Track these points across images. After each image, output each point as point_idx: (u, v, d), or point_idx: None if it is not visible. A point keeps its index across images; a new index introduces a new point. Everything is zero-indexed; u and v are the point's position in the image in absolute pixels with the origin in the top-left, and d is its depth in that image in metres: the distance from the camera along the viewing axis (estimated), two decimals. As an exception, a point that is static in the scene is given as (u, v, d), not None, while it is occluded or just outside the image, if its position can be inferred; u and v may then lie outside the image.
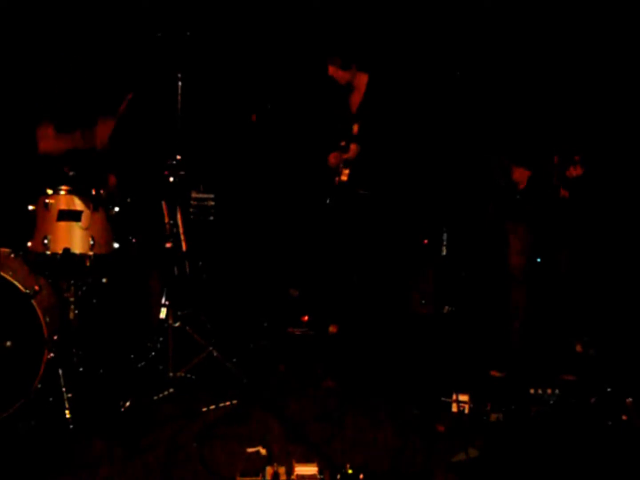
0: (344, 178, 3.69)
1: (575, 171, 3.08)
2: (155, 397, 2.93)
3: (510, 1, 3.90)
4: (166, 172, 3.32)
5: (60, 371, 2.73)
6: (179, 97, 3.41)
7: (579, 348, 3.55)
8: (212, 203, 4.40)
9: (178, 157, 3.33)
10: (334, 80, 3.68)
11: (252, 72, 4.56)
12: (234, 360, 3.31)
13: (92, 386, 2.87)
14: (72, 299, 2.92)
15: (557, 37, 3.48)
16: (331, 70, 3.64)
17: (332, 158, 3.76)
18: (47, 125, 3.27)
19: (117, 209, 3.03)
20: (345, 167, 3.70)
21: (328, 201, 3.78)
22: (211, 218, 4.42)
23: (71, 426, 2.62)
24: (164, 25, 3.59)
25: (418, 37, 4.22)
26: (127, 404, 2.80)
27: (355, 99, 3.72)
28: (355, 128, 3.69)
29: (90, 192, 2.93)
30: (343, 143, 3.74)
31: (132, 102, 3.36)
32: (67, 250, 2.85)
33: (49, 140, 3.26)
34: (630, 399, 2.49)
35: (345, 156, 3.69)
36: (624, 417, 2.48)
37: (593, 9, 3.61)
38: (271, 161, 4.57)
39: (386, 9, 4.27)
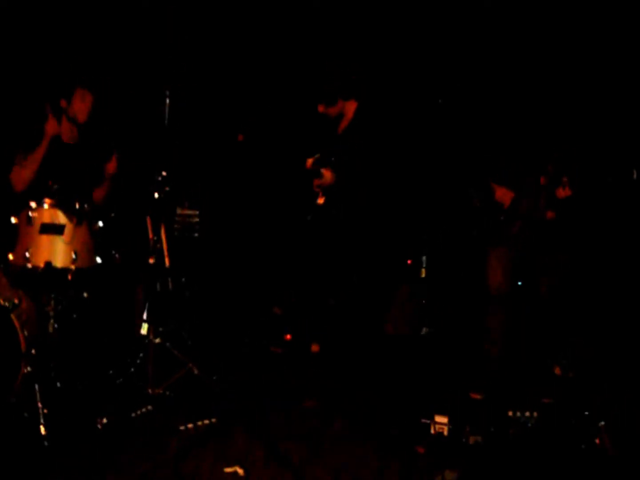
0: (320, 201, 3.72)
1: (564, 192, 3.09)
2: (133, 414, 2.90)
3: (485, 30, 3.99)
4: (151, 188, 3.33)
5: (36, 386, 2.69)
6: (166, 114, 3.43)
7: (557, 371, 3.58)
8: (197, 219, 4.41)
9: (164, 173, 3.34)
10: (326, 115, 3.73)
11: (240, 90, 4.61)
12: (214, 377, 3.29)
13: (69, 402, 2.83)
14: (51, 313, 2.89)
15: (541, 55, 3.57)
16: (321, 108, 3.70)
17: (314, 183, 3.79)
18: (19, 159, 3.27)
19: (100, 223, 3.03)
20: (322, 192, 3.73)
21: (308, 218, 3.79)
22: (196, 234, 4.42)
23: (46, 443, 2.58)
24: (154, 41, 3.63)
25: (396, 69, 4.29)
26: (104, 420, 2.76)
27: (343, 123, 3.78)
28: (309, 162, 3.74)
29: (74, 205, 2.93)
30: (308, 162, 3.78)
31: (119, 159, 3.41)
32: (48, 264, 2.83)
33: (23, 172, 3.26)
34: (603, 423, 2.52)
35: (319, 182, 3.71)
36: (597, 441, 2.50)
37: (579, 29, 3.69)
38: (256, 179, 4.60)
39: (369, 40, 4.34)
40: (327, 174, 3.66)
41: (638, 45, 3.57)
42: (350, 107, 3.73)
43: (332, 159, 3.70)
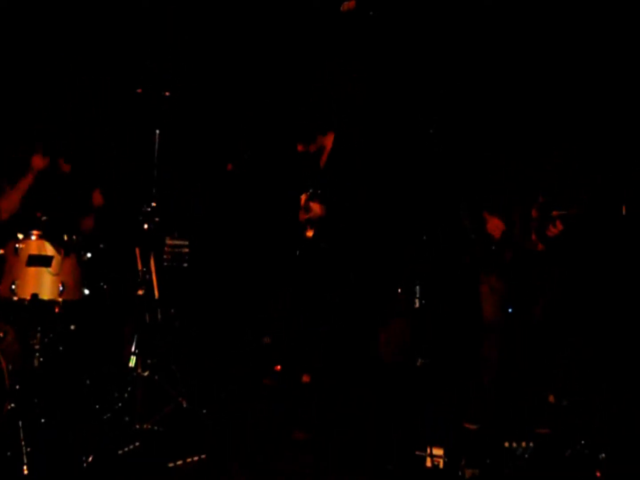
0: (309, 234, 3.71)
1: (555, 229, 3.08)
2: (120, 451, 2.82)
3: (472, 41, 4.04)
4: (140, 219, 3.31)
5: (20, 423, 2.61)
6: (156, 145, 3.44)
7: (551, 399, 3.55)
8: (187, 250, 4.38)
9: (153, 203, 3.33)
10: (306, 152, 3.75)
11: (229, 120, 4.64)
12: (204, 411, 3.22)
13: (54, 439, 2.75)
14: (37, 347, 2.83)
15: (533, 81, 3.61)
16: (300, 148, 3.73)
17: (300, 215, 3.79)
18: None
19: (89, 254, 3.00)
20: (310, 225, 3.73)
21: (297, 253, 3.78)
22: (185, 265, 4.38)
23: (29, 483, 2.49)
24: (143, 83, 3.65)
25: (379, 95, 4.34)
26: (90, 458, 2.68)
27: (324, 157, 3.80)
28: (303, 198, 3.76)
29: (62, 237, 2.90)
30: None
31: (104, 192, 3.42)
32: (35, 296, 2.79)
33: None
34: (604, 455, 2.48)
35: (307, 216, 3.71)
36: (597, 474, 2.47)
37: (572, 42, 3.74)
38: (245, 208, 4.60)
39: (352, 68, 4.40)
40: (316, 207, 3.66)
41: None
42: (329, 139, 3.76)
43: (319, 191, 3.71)
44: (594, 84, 3.71)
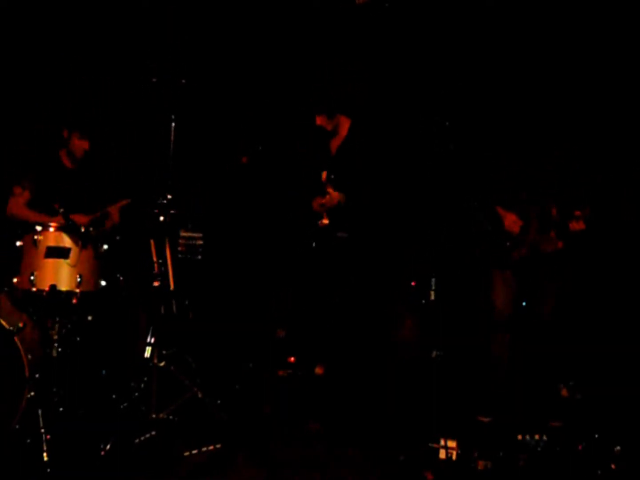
0: (325, 222, 3.72)
1: (577, 226, 3.07)
2: (137, 440, 2.86)
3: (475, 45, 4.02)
4: (156, 211, 3.33)
5: (39, 411, 2.66)
6: (172, 137, 3.46)
7: (564, 392, 3.54)
8: (201, 242, 4.41)
9: (168, 195, 3.35)
10: (322, 128, 3.76)
11: (244, 114, 4.65)
12: (219, 401, 3.26)
13: (72, 427, 2.80)
14: (55, 337, 2.87)
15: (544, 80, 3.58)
16: (319, 120, 3.73)
17: (315, 204, 3.79)
18: (22, 188, 3.31)
19: (106, 246, 3.03)
20: (327, 212, 3.74)
21: (313, 244, 3.79)
22: (199, 257, 4.41)
23: (49, 470, 2.54)
24: (159, 71, 3.67)
25: (398, 84, 4.32)
26: (107, 447, 2.72)
27: (336, 142, 3.80)
28: (324, 175, 3.75)
29: (80, 229, 2.93)
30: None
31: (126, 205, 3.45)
32: (53, 287, 2.82)
33: (19, 208, 3.30)
34: (619, 447, 2.48)
35: (324, 201, 3.72)
36: (612, 466, 2.46)
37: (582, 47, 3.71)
38: (260, 202, 4.61)
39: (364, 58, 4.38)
40: (334, 194, 3.67)
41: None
42: (345, 125, 3.76)
43: (332, 176, 3.71)
44: (594, 84, 3.67)
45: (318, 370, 3.97)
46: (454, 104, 3.90)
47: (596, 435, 2.68)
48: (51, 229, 2.91)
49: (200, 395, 3.23)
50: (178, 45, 4.34)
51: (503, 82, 3.80)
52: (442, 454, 2.72)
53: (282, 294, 4.42)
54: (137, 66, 4.20)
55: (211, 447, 2.85)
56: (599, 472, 2.46)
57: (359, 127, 3.77)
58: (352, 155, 3.70)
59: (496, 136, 3.49)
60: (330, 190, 3.68)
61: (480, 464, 2.64)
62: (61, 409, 2.80)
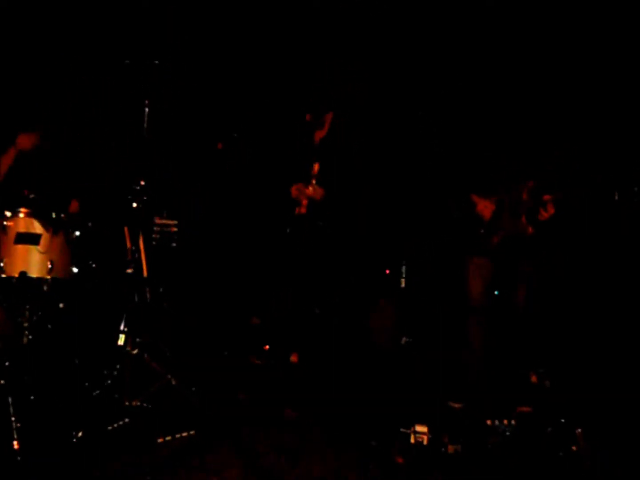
0: (303, 210, 3.74)
1: (546, 213, 3.12)
2: (110, 427, 2.85)
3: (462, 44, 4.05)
4: (129, 197, 3.30)
5: (9, 399, 2.63)
6: (145, 123, 3.41)
7: (534, 379, 3.62)
8: (175, 229, 4.38)
9: (142, 182, 3.31)
10: (310, 122, 3.77)
11: (220, 100, 4.61)
12: (193, 389, 3.26)
13: (43, 415, 2.77)
14: (26, 324, 2.84)
15: (527, 67, 3.61)
16: (308, 117, 3.74)
17: (294, 190, 3.81)
18: None
19: (77, 233, 2.99)
20: (306, 200, 3.75)
21: (288, 230, 3.80)
22: (174, 244, 4.38)
23: (19, 458, 2.52)
24: (132, 53, 3.61)
25: (377, 79, 4.34)
26: (79, 434, 2.71)
27: (320, 133, 3.81)
28: (316, 167, 3.76)
29: (50, 215, 2.89)
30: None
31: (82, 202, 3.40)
32: (23, 274, 2.78)
33: None
34: (580, 430, 2.56)
35: (308, 192, 3.73)
36: (574, 448, 2.54)
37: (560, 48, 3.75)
38: (235, 189, 4.59)
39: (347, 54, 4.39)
40: (318, 189, 3.70)
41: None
42: (328, 116, 3.78)
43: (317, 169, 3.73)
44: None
45: (293, 358, 4.00)
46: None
47: (562, 420, 2.75)
48: (21, 215, 2.86)
49: (173, 383, 3.22)
50: (169, 46, 4.29)
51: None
52: (413, 439, 2.77)
53: (257, 281, 4.42)
54: (110, 48, 4.12)
55: (185, 434, 2.85)
56: (561, 453, 2.53)
57: (348, 124, 3.78)
58: (335, 149, 3.72)
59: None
60: (314, 182, 3.70)
61: (450, 448, 2.69)
62: (32, 397, 2.77)
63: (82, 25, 4.18)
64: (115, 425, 2.87)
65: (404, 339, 3.59)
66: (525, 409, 3.21)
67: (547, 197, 3.10)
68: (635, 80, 3.64)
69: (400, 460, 2.67)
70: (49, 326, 3.03)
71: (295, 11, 4.41)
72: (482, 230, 3.33)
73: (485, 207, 3.30)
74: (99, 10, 4.22)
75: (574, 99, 3.62)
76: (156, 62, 3.34)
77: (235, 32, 4.50)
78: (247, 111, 4.55)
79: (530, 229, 3.22)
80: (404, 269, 3.69)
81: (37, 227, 2.85)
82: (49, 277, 2.83)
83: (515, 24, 3.89)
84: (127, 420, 2.92)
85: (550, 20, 3.79)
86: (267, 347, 4.17)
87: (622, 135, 3.62)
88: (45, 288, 2.84)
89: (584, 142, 3.36)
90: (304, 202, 3.78)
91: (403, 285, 3.71)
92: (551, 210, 3.09)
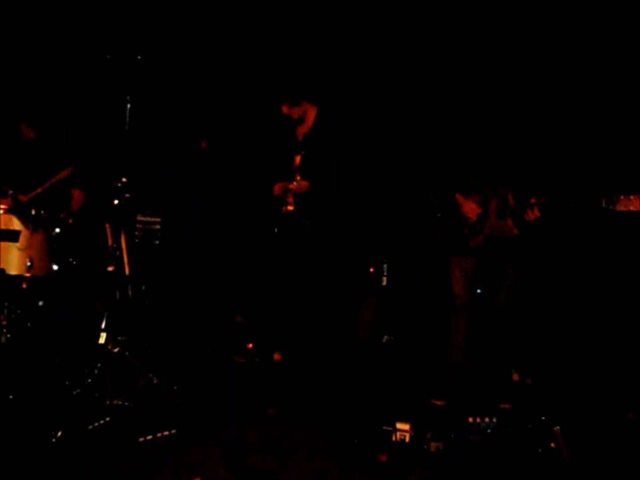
0: (290, 208, 3.73)
1: (532, 215, 3.14)
2: (90, 427, 2.82)
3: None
4: (111, 194, 3.26)
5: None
6: (127, 119, 3.38)
7: (515, 377, 3.66)
8: (159, 226, 4.34)
9: (124, 179, 3.28)
10: (288, 116, 3.75)
11: (203, 95, 4.58)
12: (175, 387, 3.24)
13: (22, 415, 2.74)
14: (4, 323, 2.79)
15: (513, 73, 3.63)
16: (284, 109, 3.73)
17: (277, 188, 3.80)
18: None
19: (58, 229, 2.95)
20: (292, 198, 3.74)
21: (276, 230, 3.80)
22: (157, 242, 4.35)
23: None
24: (114, 47, 3.58)
25: (363, 76, 4.34)
26: (59, 434, 2.67)
27: (303, 129, 3.80)
28: (298, 159, 3.76)
29: (30, 211, 2.85)
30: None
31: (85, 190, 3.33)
32: (1, 272, 2.74)
33: None
34: (558, 427, 2.59)
35: (292, 187, 3.73)
36: (552, 445, 2.57)
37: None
38: (220, 187, 4.57)
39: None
40: (302, 182, 3.68)
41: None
42: (311, 112, 3.76)
43: (302, 164, 3.72)
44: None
45: (276, 357, 3.99)
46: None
47: (543, 417, 2.79)
48: (0, 211, 2.81)
49: (155, 381, 3.20)
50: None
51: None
52: (395, 437, 2.78)
53: (241, 279, 4.41)
54: (91, 43, 4.08)
55: (166, 433, 2.83)
56: (540, 450, 2.56)
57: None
58: (322, 145, 3.71)
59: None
60: (298, 177, 3.69)
61: (432, 446, 2.71)
62: (10, 397, 2.73)
63: (65, 21, 4.13)
64: (96, 424, 2.84)
65: (385, 337, 3.60)
66: (506, 406, 3.25)
67: (533, 200, 3.13)
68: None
69: (383, 458, 2.68)
70: (28, 324, 2.98)
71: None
72: (467, 231, 3.36)
73: (472, 210, 3.32)
74: (79, 7, 4.16)
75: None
76: (139, 57, 3.31)
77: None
78: (243, 111, 4.53)
79: (515, 231, 3.25)
80: (385, 267, 3.70)
81: (16, 224, 2.81)
82: (28, 274, 2.79)
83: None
84: (107, 419, 2.89)
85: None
86: (251, 345, 4.16)
87: (610, 142, 3.66)
88: (24, 285, 2.79)
89: (573, 149, 3.40)
90: (290, 199, 3.77)
91: (385, 283, 3.72)
92: (537, 213, 3.12)
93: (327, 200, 3.70)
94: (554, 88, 3.65)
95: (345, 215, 3.83)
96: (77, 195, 3.39)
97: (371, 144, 4.10)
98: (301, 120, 3.78)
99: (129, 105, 3.36)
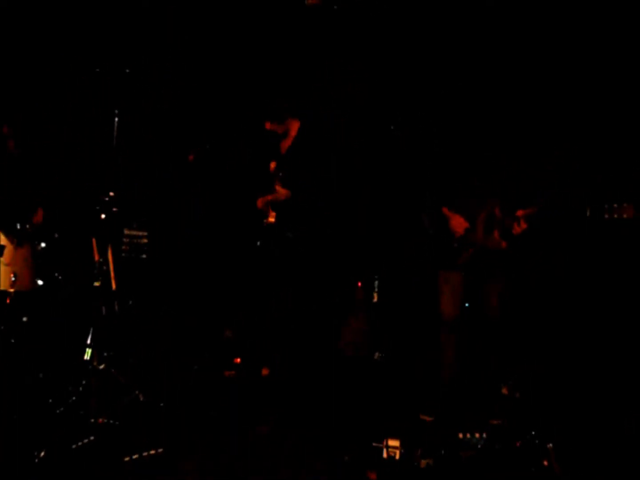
0: (271, 220, 3.71)
1: (519, 228, 3.15)
2: (74, 446, 2.75)
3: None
4: (97, 208, 3.23)
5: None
6: (114, 133, 3.36)
7: (505, 391, 3.65)
8: (146, 240, 4.31)
9: (111, 193, 3.25)
10: (273, 132, 3.76)
11: (190, 110, 4.57)
12: (162, 404, 3.19)
13: (5, 433, 2.67)
14: (-13, 339, 2.75)
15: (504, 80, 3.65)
16: (268, 125, 3.74)
17: (260, 201, 3.79)
18: None
19: (43, 244, 2.91)
20: (273, 209, 3.73)
21: (258, 243, 3.77)
22: (144, 256, 4.31)
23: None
24: (103, 61, 3.56)
25: (347, 89, 4.35)
26: (42, 453, 2.61)
27: (286, 143, 3.81)
28: (272, 165, 3.76)
29: (15, 226, 2.81)
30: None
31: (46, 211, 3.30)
32: (-15, 287, 2.70)
33: None
34: (551, 445, 2.57)
35: (270, 198, 3.71)
36: (545, 463, 2.56)
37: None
38: (205, 201, 4.55)
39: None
40: (282, 191, 3.66)
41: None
42: (294, 126, 3.77)
43: (281, 174, 3.71)
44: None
45: (264, 372, 3.95)
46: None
47: (533, 433, 2.77)
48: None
49: (142, 398, 3.14)
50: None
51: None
52: (386, 454, 2.76)
53: (229, 294, 4.38)
54: (80, 56, 4.05)
55: (152, 452, 2.78)
56: (533, 469, 2.55)
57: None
58: (302, 155, 3.71)
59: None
60: (278, 187, 3.67)
61: (423, 462, 2.68)
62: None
63: (54, 26, 4.10)
64: (80, 443, 2.78)
65: (376, 354, 3.58)
66: (496, 421, 3.23)
67: (520, 212, 3.14)
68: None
69: (373, 475, 2.65)
70: (12, 340, 2.93)
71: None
72: (455, 245, 3.36)
73: (459, 225, 3.32)
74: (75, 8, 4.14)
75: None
76: (127, 70, 3.30)
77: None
78: (216, 120, 4.51)
79: (503, 244, 3.26)
80: (376, 283, 3.68)
81: (1, 239, 2.77)
82: (12, 290, 2.75)
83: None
84: (92, 438, 2.83)
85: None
86: (239, 360, 4.12)
87: (607, 147, 3.68)
88: (7, 301, 2.74)
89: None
90: (271, 212, 3.76)
91: (375, 299, 3.70)
92: (524, 225, 3.13)
93: (326, 200, 3.68)
94: (554, 88, 3.66)
95: (345, 215, 3.81)
96: (39, 214, 3.34)
97: (371, 144, 4.09)
98: (285, 134, 3.79)
99: (116, 119, 3.34)
